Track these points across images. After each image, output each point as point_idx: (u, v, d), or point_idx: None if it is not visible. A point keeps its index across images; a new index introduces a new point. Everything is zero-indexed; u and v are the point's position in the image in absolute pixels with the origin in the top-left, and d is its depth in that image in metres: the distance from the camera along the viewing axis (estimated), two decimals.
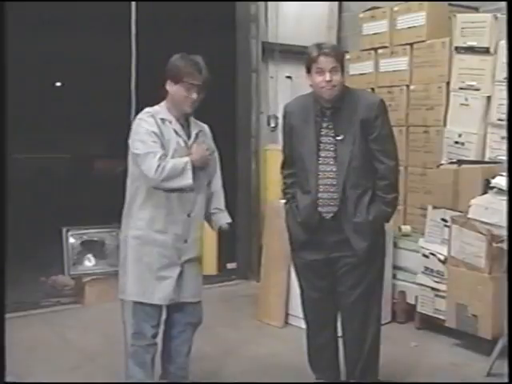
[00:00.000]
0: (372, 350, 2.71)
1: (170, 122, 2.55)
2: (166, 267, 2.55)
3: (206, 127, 2.73)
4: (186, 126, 2.60)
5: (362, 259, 2.58)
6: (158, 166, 2.41)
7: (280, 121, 4.80)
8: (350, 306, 2.67)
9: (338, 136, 2.55)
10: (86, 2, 5.01)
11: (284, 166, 2.80)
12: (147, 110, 2.56)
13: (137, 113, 2.69)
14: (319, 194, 2.57)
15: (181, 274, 2.58)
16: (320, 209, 2.58)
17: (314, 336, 2.81)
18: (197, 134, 2.63)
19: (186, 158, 2.49)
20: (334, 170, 2.55)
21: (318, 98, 2.58)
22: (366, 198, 2.56)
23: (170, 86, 2.52)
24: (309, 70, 2.55)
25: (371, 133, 2.54)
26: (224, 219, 2.80)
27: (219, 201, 2.80)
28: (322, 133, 2.58)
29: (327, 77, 2.49)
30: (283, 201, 2.85)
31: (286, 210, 2.76)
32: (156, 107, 2.58)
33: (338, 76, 2.51)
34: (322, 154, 2.57)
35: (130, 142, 2.52)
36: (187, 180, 2.47)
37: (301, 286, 2.80)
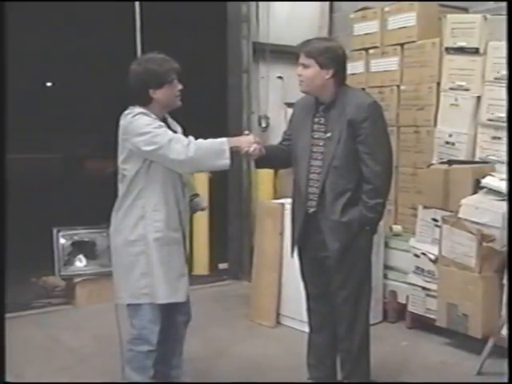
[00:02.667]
0: (361, 351, 2.71)
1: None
2: (183, 264, 2.57)
3: (179, 128, 2.64)
4: (168, 127, 2.52)
5: (335, 260, 2.57)
6: (188, 144, 2.30)
7: (271, 121, 4.89)
8: (337, 307, 2.68)
9: (327, 133, 2.57)
10: (75, 3, 4.97)
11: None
12: (134, 110, 2.45)
13: None
14: (308, 189, 2.61)
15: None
16: (307, 203, 2.62)
17: (313, 333, 2.82)
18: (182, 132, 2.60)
19: (223, 138, 2.38)
20: (320, 165, 2.57)
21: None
22: (343, 199, 2.54)
23: (154, 94, 2.42)
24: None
25: (359, 134, 2.51)
26: (201, 203, 2.80)
27: (192, 186, 2.84)
28: (315, 128, 2.60)
29: (298, 70, 2.56)
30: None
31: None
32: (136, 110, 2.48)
33: (306, 72, 2.53)
34: (314, 149, 2.60)
35: (134, 140, 2.36)
36: (224, 160, 2.34)
37: (304, 284, 2.84)
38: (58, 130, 5.79)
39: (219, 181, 5.14)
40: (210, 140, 2.39)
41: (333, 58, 2.54)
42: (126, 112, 2.46)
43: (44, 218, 4.73)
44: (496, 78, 3.44)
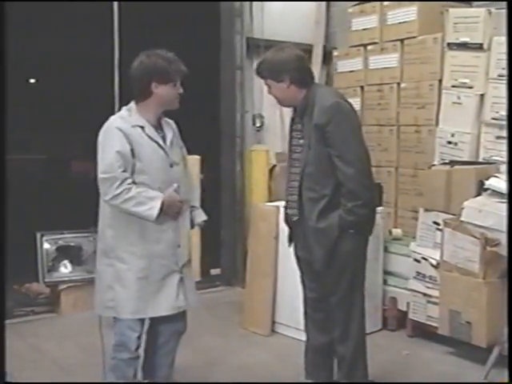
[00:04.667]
0: (356, 356, 2.70)
1: (143, 128, 2.46)
2: (167, 276, 2.51)
3: (173, 123, 2.65)
4: (160, 129, 2.53)
5: (321, 265, 2.60)
6: (120, 193, 2.36)
7: (266, 120, 4.80)
8: (330, 312, 2.69)
9: (302, 139, 2.60)
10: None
11: None
12: (116, 118, 2.47)
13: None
14: (288, 197, 2.67)
15: (182, 280, 2.56)
16: (288, 210, 2.68)
17: (310, 338, 2.84)
18: (171, 142, 2.56)
19: (157, 204, 2.40)
20: (298, 172, 2.60)
21: None
22: (320, 205, 2.54)
23: (156, 88, 2.44)
24: None
25: (326, 138, 2.50)
26: (200, 217, 2.73)
27: (194, 199, 2.74)
28: (293, 135, 2.65)
29: (269, 91, 2.63)
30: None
31: None
32: (124, 113, 2.49)
33: (273, 90, 2.60)
34: (293, 156, 2.65)
35: (99, 152, 2.44)
36: (152, 211, 2.40)
37: (303, 286, 2.86)
38: (43, 130, 5.71)
39: (211, 183, 5.04)
40: (143, 196, 2.39)
41: (281, 68, 2.54)
42: (107, 122, 2.48)
43: (28, 221, 4.61)
44: (500, 75, 3.41)
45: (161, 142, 2.48)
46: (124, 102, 2.85)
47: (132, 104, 2.50)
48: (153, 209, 2.38)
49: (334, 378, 2.83)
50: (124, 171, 2.37)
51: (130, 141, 2.39)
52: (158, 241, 2.47)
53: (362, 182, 2.53)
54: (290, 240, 2.79)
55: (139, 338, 2.53)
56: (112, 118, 2.50)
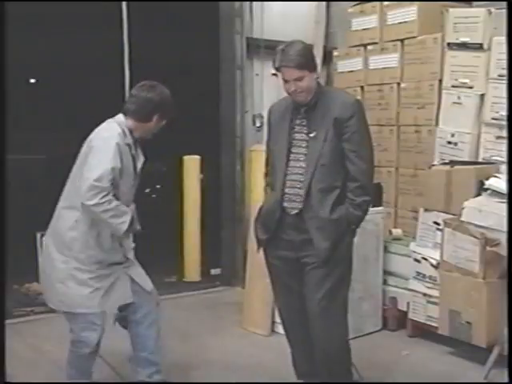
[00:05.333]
0: (341, 352, 2.70)
1: (130, 147, 2.61)
2: (119, 269, 2.66)
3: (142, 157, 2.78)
4: (135, 149, 2.68)
5: (323, 259, 2.57)
6: (103, 203, 2.48)
7: (266, 120, 4.79)
8: (314, 307, 2.64)
9: (311, 133, 2.58)
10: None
11: (265, 165, 2.85)
12: (115, 134, 2.55)
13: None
14: (286, 190, 2.61)
15: (131, 267, 2.73)
16: (285, 204, 2.62)
17: (292, 337, 2.83)
18: (143, 162, 2.72)
19: (128, 209, 2.58)
20: (303, 166, 2.58)
21: None
22: (332, 197, 2.56)
23: (155, 120, 2.62)
24: (277, 74, 2.59)
25: (344, 132, 2.54)
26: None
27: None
28: (296, 129, 2.62)
29: (292, 87, 2.53)
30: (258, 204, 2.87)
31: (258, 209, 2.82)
32: (120, 129, 2.58)
33: (303, 82, 2.53)
34: (294, 150, 2.61)
35: (93, 157, 2.52)
36: (119, 232, 2.57)
37: (273, 288, 2.87)
38: (42, 130, 5.69)
39: (211, 183, 5.04)
40: (119, 209, 2.53)
41: (313, 59, 2.58)
42: (106, 123, 2.63)
43: (27, 221, 4.59)
44: (500, 75, 3.40)
45: (137, 163, 2.67)
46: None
47: (123, 119, 2.61)
48: (124, 223, 2.54)
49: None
50: (112, 184, 2.50)
51: (121, 159, 2.54)
52: (113, 247, 2.63)
53: (371, 179, 2.64)
54: (268, 241, 2.67)
55: (99, 332, 2.61)
56: (109, 129, 2.59)
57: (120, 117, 2.62)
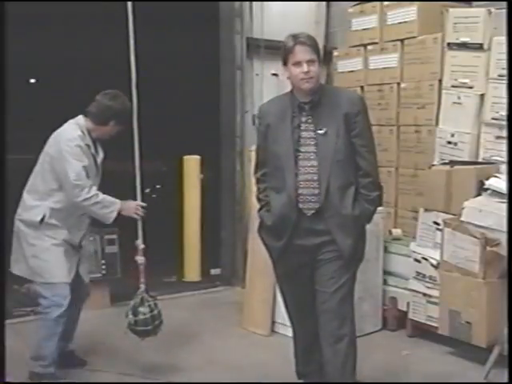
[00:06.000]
0: (350, 350, 2.60)
1: (89, 147, 2.95)
2: (79, 247, 3.08)
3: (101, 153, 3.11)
4: (95, 147, 3.01)
5: (347, 256, 2.51)
6: (90, 197, 2.87)
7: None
8: (326, 301, 2.56)
9: (320, 130, 2.51)
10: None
11: (257, 168, 2.72)
12: (76, 136, 2.90)
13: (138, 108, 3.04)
14: (299, 191, 2.51)
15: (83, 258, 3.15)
16: (301, 205, 2.52)
17: (301, 341, 2.78)
18: (102, 158, 3.05)
19: (116, 205, 2.94)
20: (316, 164, 2.51)
21: (296, 92, 2.54)
22: (350, 193, 2.52)
23: (111, 125, 2.97)
24: (285, 63, 2.52)
25: (354, 128, 2.52)
26: None
27: None
28: (302, 127, 2.53)
29: (304, 68, 2.45)
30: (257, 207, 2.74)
31: (260, 217, 2.66)
32: (78, 131, 2.92)
33: (315, 67, 2.48)
34: (302, 149, 2.52)
35: (64, 161, 2.86)
36: (108, 220, 2.97)
37: (283, 293, 2.77)
38: (42, 130, 5.69)
39: (211, 182, 5.03)
40: (107, 200, 2.93)
41: (320, 51, 2.55)
42: (68, 125, 2.97)
43: None
44: (500, 75, 3.39)
45: (97, 159, 3.01)
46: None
47: (82, 120, 2.95)
48: (113, 212, 2.93)
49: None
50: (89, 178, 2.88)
51: (87, 157, 2.91)
52: (80, 228, 3.04)
53: (379, 173, 2.65)
54: (283, 247, 2.55)
55: (67, 298, 2.95)
56: (70, 132, 2.92)
57: (80, 118, 2.96)
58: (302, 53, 2.44)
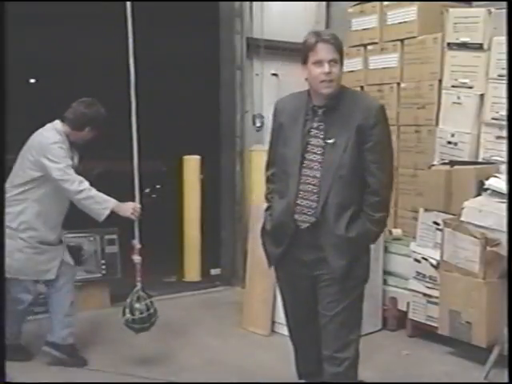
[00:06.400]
0: (350, 373, 2.49)
1: (67, 150, 3.12)
2: (52, 248, 3.19)
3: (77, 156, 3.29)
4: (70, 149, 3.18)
5: (338, 278, 2.36)
6: (82, 190, 3.01)
7: (266, 120, 4.79)
8: (327, 325, 2.46)
9: (329, 139, 2.33)
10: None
11: (268, 166, 2.59)
12: (56, 138, 3.07)
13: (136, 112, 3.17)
14: (298, 200, 2.36)
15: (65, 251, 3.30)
16: (296, 216, 2.37)
17: (299, 343, 2.70)
18: (79, 158, 3.24)
19: (109, 203, 3.04)
20: (318, 175, 2.34)
21: (313, 94, 2.37)
22: (348, 214, 2.33)
23: (87, 131, 3.16)
24: (305, 61, 2.32)
25: (367, 141, 2.31)
26: None
27: None
28: (311, 133, 2.36)
29: (326, 68, 2.25)
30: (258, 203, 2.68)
31: (264, 218, 2.55)
32: (57, 135, 3.09)
33: (337, 69, 2.28)
34: (308, 156, 2.36)
35: (50, 165, 3.01)
36: (100, 216, 3.05)
37: (282, 294, 2.67)
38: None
39: (211, 183, 5.03)
40: (100, 196, 3.04)
41: (343, 50, 2.35)
42: (47, 130, 3.13)
43: None
44: (500, 75, 3.39)
45: (75, 160, 3.19)
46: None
47: (60, 125, 3.12)
48: (106, 209, 3.01)
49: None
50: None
51: (68, 158, 3.09)
52: (55, 230, 3.17)
53: (391, 192, 2.44)
54: (280, 256, 2.44)
55: (32, 294, 3.19)
56: (52, 134, 3.08)
57: (58, 123, 3.14)
58: (324, 51, 2.24)
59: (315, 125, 2.36)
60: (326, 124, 2.35)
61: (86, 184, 3.04)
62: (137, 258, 3.20)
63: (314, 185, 2.34)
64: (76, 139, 3.17)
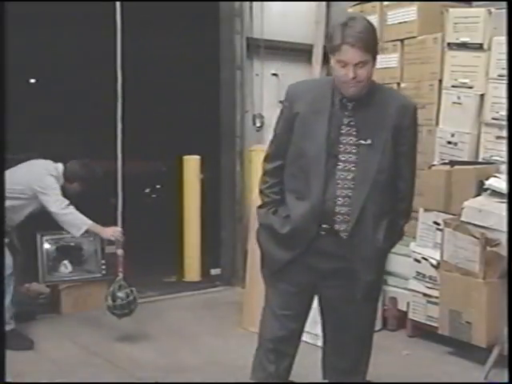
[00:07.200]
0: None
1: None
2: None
3: None
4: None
5: (365, 294, 2.15)
6: (65, 207, 3.44)
7: (265, 120, 4.78)
8: (342, 344, 2.29)
9: (365, 140, 2.05)
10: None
11: (269, 159, 2.23)
12: (52, 173, 3.58)
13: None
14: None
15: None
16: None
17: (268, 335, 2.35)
18: None
19: (88, 224, 3.46)
20: (351, 178, 2.07)
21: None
22: (384, 223, 2.11)
23: (76, 185, 3.65)
24: (331, 51, 2.05)
25: (402, 143, 2.09)
26: None
27: None
28: (343, 131, 2.07)
29: (351, 73, 1.98)
30: (258, 203, 2.27)
31: (261, 217, 2.23)
32: (55, 174, 3.58)
33: (365, 70, 1.99)
34: (342, 157, 2.08)
35: (49, 190, 3.49)
36: (77, 233, 3.50)
37: (270, 307, 2.29)
38: (42, 130, 5.70)
39: (211, 182, 5.03)
40: (79, 217, 3.47)
41: (377, 41, 2.05)
42: (51, 170, 3.61)
43: (27, 221, 4.58)
44: (500, 75, 3.38)
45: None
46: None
47: (61, 169, 3.63)
48: (84, 225, 3.44)
49: None
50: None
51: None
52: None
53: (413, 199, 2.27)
54: (289, 262, 2.15)
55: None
56: (48, 176, 3.54)
57: (59, 166, 3.65)
58: (350, 54, 1.96)
59: (345, 120, 2.08)
60: (357, 121, 2.07)
61: (70, 207, 3.51)
62: (120, 251, 3.52)
63: (349, 189, 2.08)
64: (69, 189, 3.67)
